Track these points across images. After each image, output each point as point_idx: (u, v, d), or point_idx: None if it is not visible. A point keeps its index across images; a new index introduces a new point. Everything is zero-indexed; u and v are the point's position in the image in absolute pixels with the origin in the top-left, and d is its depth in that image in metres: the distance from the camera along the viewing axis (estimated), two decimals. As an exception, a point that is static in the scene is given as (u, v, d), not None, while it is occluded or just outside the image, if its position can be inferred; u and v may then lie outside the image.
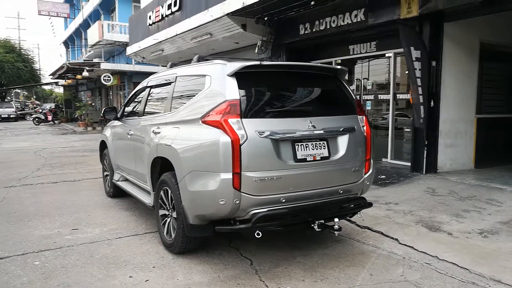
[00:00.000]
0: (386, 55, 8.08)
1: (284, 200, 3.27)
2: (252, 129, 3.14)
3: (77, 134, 19.97)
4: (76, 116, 26.38)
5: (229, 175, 3.07)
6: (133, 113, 5.18)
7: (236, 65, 3.25)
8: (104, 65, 21.36)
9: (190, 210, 3.37)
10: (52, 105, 33.99)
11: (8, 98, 42.77)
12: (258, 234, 3.16)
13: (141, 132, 4.56)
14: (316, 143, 3.42)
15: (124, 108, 5.58)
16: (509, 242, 4.00)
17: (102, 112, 5.68)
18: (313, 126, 3.39)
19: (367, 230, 4.46)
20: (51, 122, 27.95)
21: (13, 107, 34.68)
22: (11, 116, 32.68)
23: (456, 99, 7.13)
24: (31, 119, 29.31)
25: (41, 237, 4.35)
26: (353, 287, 3.16)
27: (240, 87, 3.23)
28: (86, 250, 3.94)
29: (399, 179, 6.71)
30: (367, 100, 8.65)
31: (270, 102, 3.48)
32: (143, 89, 5.06)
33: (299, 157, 3.32)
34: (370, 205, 3.78)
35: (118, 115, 5.59)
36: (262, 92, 3.50)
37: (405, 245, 3.99)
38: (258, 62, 3.32)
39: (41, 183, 7.36)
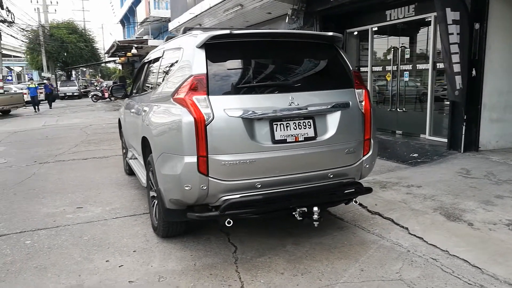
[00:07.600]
0: (426, 19, 7.20)
1: (260, 186, 2.95)
2: (221, 107, 2.83)
3: (127, 110, 20.68)
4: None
5: (193, 159, 2.80)
6: (136, 91, 5.05)
7: (204, 35, 2.91)
8: (152, 42, 21.73)
9: (164, 194, 3.18)
10: (110, 83, 35.46)
11: (74, 76, 45.25)
12: (229, 223, 2.90)
13: (137, 110, 4.42)
14: (299, 122, 3.03)
15: (132, 85, 5.47)
16: (541, 237, 3.38)
17: (110, 89, 5.60)
18: (295, 103, 2.99)
19: (376, 216, 4.02)
20: (108, 99, 29.24)
21: (76, 85, 36.70)
22: (75, 93, 34.63)
23: (505, 67, 6.16)
24: (90, 96, 30.85)
25: (45, 215, 4.43)
26: (335, 284, 2.81)
27: (209, 60, 2.90)
28: (78, 231, 3.94)
29: (432, 158, 6.04)
30: (405, 70, 7.85)
31: (245, 76, 3.10)
32: (143, 66, 4.89)
33: (277, 138, 2.96)
34: (368, 190, 3.34)
35: (128, 93, 5.50)
36: (235, 65, 3.14)
37: (414, 235, 3.53)
38: (228, 31, 2.94)
39: (73, 159, 7.62)
